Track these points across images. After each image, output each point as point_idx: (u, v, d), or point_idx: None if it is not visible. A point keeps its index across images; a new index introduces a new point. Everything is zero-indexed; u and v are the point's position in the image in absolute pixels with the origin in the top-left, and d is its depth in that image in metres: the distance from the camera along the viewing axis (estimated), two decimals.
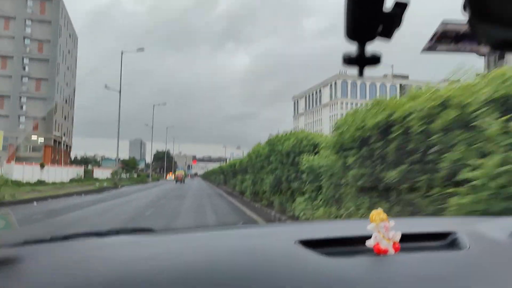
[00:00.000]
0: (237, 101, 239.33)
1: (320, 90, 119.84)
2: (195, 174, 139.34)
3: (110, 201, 19.36)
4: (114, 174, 45.21)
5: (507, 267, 1.02)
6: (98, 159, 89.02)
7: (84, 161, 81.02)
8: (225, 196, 23.48)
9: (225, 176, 29.87)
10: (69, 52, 73.67)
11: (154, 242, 1.38)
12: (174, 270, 0.99)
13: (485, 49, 0.89)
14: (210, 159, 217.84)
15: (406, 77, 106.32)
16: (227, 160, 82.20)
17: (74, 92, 79.86)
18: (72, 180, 43.43)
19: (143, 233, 1.52)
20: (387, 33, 0.49)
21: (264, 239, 1.31)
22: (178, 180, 57.02)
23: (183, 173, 61.78)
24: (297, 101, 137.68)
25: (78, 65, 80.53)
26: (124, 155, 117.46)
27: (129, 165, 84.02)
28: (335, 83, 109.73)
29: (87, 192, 26.03)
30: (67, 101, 74.59)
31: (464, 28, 0.83)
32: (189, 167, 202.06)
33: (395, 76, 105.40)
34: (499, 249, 1.14)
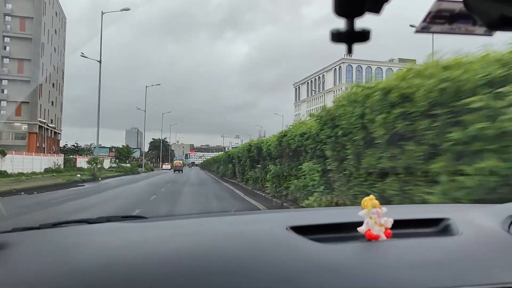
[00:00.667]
0: (236, 90, 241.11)
1: (323, 76, 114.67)
2: (192, 164, 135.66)
3: (64, 204, 13.06)
4: (92, 162, 33.64)
5: (499, 253, 1.04)
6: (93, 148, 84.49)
7: (75, 151, 75.82)
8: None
9: (241, 165, 19.89)
10: (56, 32, 68.10)
11: (145, 228, 1.36)
12: (165, 255, 0.99)
13: (480, 29, 0.44)
14: (208, 149, 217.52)
15: (413, 61, 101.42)
16: (226, 149, 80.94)
17: (63, 76, 74.45)
18: (47, 171, 37.31)
19: (135, 220, 1.51)
20: (376, 8, 0.48)
21: (255, 225, 1.31)
22: (176, 169, 56.27)
23: (182, 163, 61.09)
24: (299, 88, 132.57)
25: (67, 49, 74.42)
26: (120, 144, 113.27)
27: (122, 153, 79.01)
28: (340, 67, 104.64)
29: (47, 188, 19.47)
30: (55, 85, 69.07)
31: (459, 6, 0.43)
32: (186, 156, 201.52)
33: (401, 60, 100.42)
34: (491, 236, 1.14)
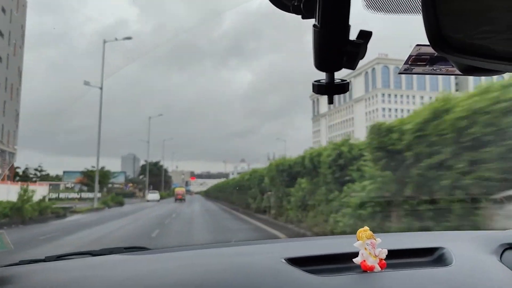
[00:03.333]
0: (239, 116, 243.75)
1: (350, 82, 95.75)
2: (190, 193, 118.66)
3: None
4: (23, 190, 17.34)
5: (491, 282, 1.07)
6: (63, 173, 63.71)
7: (37, 176, 55.65)
8: None
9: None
10: (10, 21, 49.68)
11: (148, 260, 1.39)
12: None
13: (459, 71, 0.50)
14: (209, 175, 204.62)
15: None
16: (230, 176, 73.91)
17: (20, 77, 55.17)
18: None
19: (137, 251, 1.53)
20: (351, 64, 0.54)
21: (253, 257, 1.33)
22: (177, 198, 45.33)
23: (184, 190, 52.21)
24: (317, 100, 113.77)
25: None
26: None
27: (93, 178, 57.80)
28: (373, 69, 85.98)
29: None
30: (7, 89, 49.75)
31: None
32: (186, 183, 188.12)
33: None
34: (483, 265, 1.16)
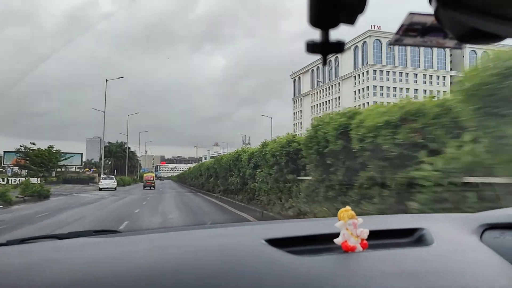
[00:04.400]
0: (212, 101, 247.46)
1: (336, 58, 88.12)
2: (160, 178, 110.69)
3: None
4: None
5: (472, 262, 1.08)
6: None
7: None
8: None
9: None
10: None
11: (117, 242, 1.34)
12: (138, 270, 0.98)
13: (451, 42, 0.50)
14: (180, 160, 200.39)
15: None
16: (202, 160, 72.10)
17: None
18: None
19: (107, 234, 1.48)
20: (350, 19, 0.49)
21: (231, 239, 1.31)
22: (146, 185, 39.26)
23: (153, 176, 44.95)
24: (299, 79, 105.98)
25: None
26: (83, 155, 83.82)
27: (36, 160, 46.83)
28: (364, 43, 78.51)
29: None
30: None
31: (431, 20, 0.48)
32: (157, 168, 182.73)
33: None
34: (463, 245, 1.19)
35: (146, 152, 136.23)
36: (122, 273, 0.96)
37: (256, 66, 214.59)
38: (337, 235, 1.08)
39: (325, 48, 0.51)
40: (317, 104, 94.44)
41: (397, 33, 0.61)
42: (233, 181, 15.37)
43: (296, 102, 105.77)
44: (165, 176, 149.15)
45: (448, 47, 0.62)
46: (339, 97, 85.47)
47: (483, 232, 1.24)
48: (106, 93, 42.99)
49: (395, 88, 73.57)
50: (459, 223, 1.36)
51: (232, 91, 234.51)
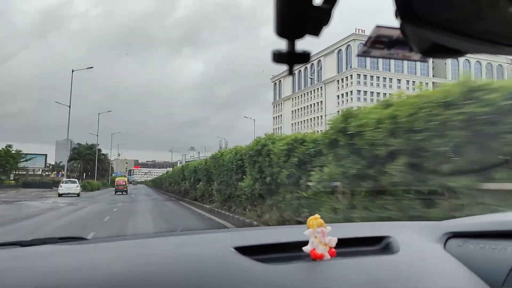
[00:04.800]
0: (188, 106, 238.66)
1: (319, 62, 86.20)
2: (133, 182, 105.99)
3: None
4: None
5: (436, 269, 1.12)
6: None
7: None
8: None
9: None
10: None
11: (84, 250, 1.31)
12: (104, 280, 0.96)
13: (416, 56, 0.53)
14: (154, 164, 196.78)
15: None
16: (178, 164, 71.82)
17: None
18: None
19: (73, 242, 1.43)
20: (316, 31, 0.50)
21: (200, 247, 1.29)
22: (118, 189, 36.76)
23: (126, 180, 41.57)
24: (279, 83, 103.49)
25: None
26: (50, 160, 77.99)
27: None
28: (348, 47, 76.77)
29: None
30: None
31: (397, 33, 0.51)
32: (130, 172, 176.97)
33: None
34: (428, 253, 1.22)
35: (119, 155, 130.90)
36: (88, 282, 0.94)
37: (235, 71, 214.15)
38: (306, 243, 1.08)
39: (291, 58, 0.52)
40: (299, 109, 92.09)
41: (365, 44, 0.63)
42: (250, 187, 9.83)
43: (276, 107, 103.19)
44: (139, 180, 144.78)
45: (413, 60, 0.65)
46: (321, 101, 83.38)
47: (447, 240, 1.26)
48: (73, 86, 38.67)
49: (378, 93, 71.94)
50: (425, 231, 1.38)
51: (209, 96, 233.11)
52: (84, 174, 71.46)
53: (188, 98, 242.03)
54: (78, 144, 75.21)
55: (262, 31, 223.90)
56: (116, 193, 34.74)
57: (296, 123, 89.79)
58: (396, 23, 0.49)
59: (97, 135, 56.22)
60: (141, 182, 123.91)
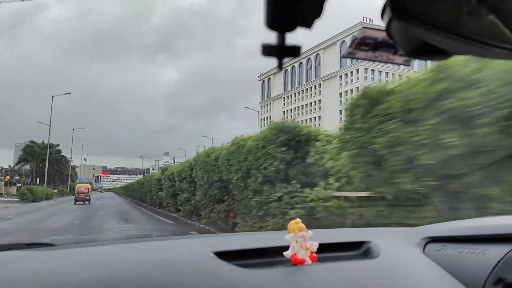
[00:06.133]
0: (161, 113, 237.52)
1: (317, 56, 76.87)
2: (100, 189, 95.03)
3: None
4: None
5: (415, 274, 1.14)
6: None
7: None
8: None
9: None
10: None
11: (54, 256, 1.25)
12: (75, 286, 0.94)
13: (400, 59, 0.56)
14: (124, 171, 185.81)
15: None
16: (150, 171, 67.09)
17: None
18: None
19: (41, 247, 1.39)
20: (307, 23, 0.49)
21: (177, 251, 1.25)
22: (79, 198, 29.83)
23: (89, 187, 34.43)
24: (268, 81, 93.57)
25: None
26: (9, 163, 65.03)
27: None
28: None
29: None
30: None
31: (382, 35, 0.53)
32: (97, 179, 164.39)
33: None
34: (407, 257, 1.23)
35: (85, 160, 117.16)
36: None
37: (209, 80, 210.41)
38: (287, 247, 1.07)
39: (281, 52, 0.51)
40: (292, 109, 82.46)
41: (350, 46, 0.63)
42: None
43: (264, 107, 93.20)
44: (106, 187, 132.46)
45: (397, 63, 0.64)
46: (319, 100, 73.99)
47: (425, 245, 1.28)
48: (41, 90, 30.28)
49: None
50: (404, 236, 1.40)
51: (183, 104, 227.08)
52: (38, 179, 58.64)
53: (161, 105, 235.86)
54: (32, 142, 62.05)
55: (238, 40, 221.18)
56: (76, 203, 29.01)
57: None
58: (385, 18, 0.47)
59: (50, 125, 44.13)
60: (110, 190, 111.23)
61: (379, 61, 0.65)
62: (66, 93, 46.31)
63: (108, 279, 0.95)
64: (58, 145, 71.88)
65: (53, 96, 42.84)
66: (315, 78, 76.16)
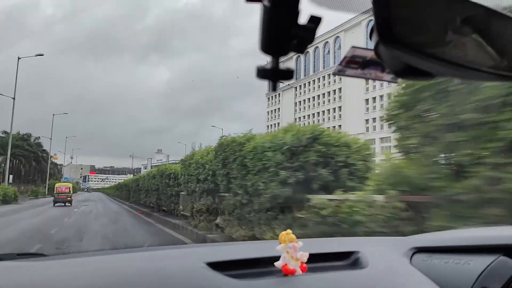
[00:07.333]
0: (153, 114, 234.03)
1: (336, 39, 68.12)
2: (88, 189, 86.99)
3: None
4: None
5: (403, 283, 1.18)
6: None
7: None
8: None
9: None
10: None
11: (45, 267, 1.26)
12: None
13: (387, 76, 0.59)
14: (113, 171, 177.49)
15: None
16: (142, 170, 67.17)
17: None
18: None
19: (32, 258, 1.39)
20: (300, 48, 0.51)
21: (170, 261, 1.27)
22: (59, 199, 27.79)
23: (70, 187, 31.33)
24: None
25: None
26: None
27: None
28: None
29: None
30: None
31: (371, 54, 0.57)
32: (85, 178, 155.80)
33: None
34: (395, 267, 1.27)
35: (72, 158, 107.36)
36: None
37: (202, 81, 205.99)
38: (278, 258, 1.09)
39: (275, 74, 0.52)
40: (306, 99, 73.65)
41: (340, 64, 0.65)
42: None
43: (272, 99, 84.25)
44: (95, 187, 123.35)
45: (385, 81, 0.66)
46: (340, 88, 65.26)
47: (413, 255, 1.31)
48: (32, 87, 23.04)
49: None
50: (391, 246, 1.43)
51: (175, 104, 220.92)
52: (12, 176, 48.80)
53: (153, 106, 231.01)
54: (4, 132, 52.12)
55: (232, 41, 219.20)
56: (55, 205, 26.87)
57: (302, 117, 71.16)
58: (373, 41, 0.49)
59: (51, 139, 35.54)
60: (98, 189, 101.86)
61: (368, 78, 0.67)
62: (38, 55, 38.46)
63: None
64: (39, 137, 62.09)
65: (19, 58, 34.94)
66: (334, 64, 67.40)
